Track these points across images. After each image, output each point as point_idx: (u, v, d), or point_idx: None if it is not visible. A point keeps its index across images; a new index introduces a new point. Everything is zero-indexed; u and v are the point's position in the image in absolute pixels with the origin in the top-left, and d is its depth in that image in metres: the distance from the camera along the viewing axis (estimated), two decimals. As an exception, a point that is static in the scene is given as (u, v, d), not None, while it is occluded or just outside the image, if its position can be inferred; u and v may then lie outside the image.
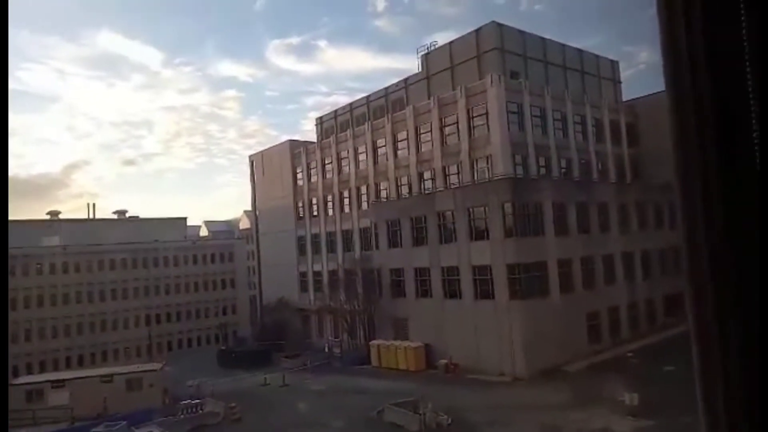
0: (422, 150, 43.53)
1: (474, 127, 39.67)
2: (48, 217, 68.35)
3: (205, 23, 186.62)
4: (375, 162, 47.85)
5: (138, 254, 61.87)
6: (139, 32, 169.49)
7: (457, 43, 44.25)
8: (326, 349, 47.89)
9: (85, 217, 73.40)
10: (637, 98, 48.61)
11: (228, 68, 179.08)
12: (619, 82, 51.70)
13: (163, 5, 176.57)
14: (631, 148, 47.31)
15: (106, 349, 57.57)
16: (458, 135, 40.55)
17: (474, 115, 39.62)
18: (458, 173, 40.56)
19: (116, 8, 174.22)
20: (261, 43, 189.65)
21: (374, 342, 40.58)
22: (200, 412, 32.07)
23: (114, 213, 75.60)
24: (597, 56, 49.73)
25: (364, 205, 48.88)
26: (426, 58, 46.67)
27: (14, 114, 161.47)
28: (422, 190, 42.88)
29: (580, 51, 48.18)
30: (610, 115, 46.48)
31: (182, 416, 31.40)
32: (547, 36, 45.41)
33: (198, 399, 33.75)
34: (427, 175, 42.99)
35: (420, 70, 47.24)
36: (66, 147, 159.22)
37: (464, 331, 34.59)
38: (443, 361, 35.12)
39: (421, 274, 39.13)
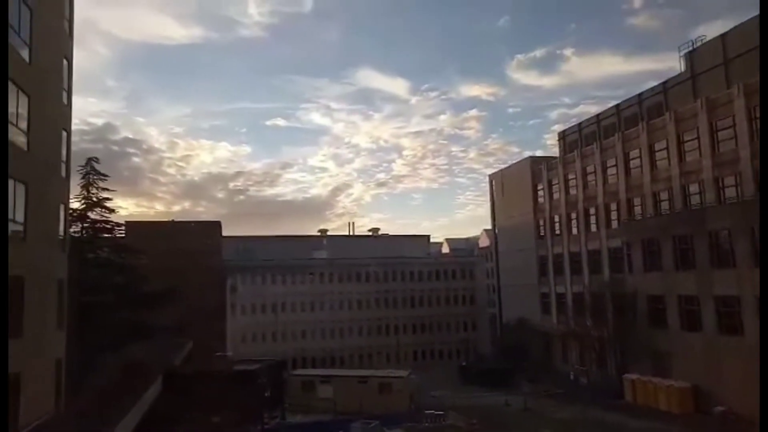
0: (687, 160, 37.98)
1: (757, 130, 33.03)
2: (318, 233, 79.78)
3: (449, 48, 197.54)
4: (627, 175, 43.52)
5: (388, 268, 67.57)
6: (391, 66, 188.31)
7: (733, 33, 37.68)
8: (571, 377, 44.90)
9: (346, 233, 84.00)
10: None
11: (470, 89, 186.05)
12: None
13: (412, 38, 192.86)
14: None
15: (362, 353, 63.94)
16: (735, 140, 34.25)
17: (756, 115, 33.01)
18: (736, 185, 34.14)
19: (372, 47, 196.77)
20: (502, 61, 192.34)
21: (629, 376, 36.45)
22: (442, 423, 33.03)
23: (369, 230, 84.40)
24: None
25: (614, 224, 44.79)
26: (690, 56, 40.88)
27: (294, 147, 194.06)
28: (688, 206, 37.30)
29: None
30: None
31: (426, 424, 32.77)
32: None
33: (440, 410, 34.86)
34: (693, 188, 37.26)
35: (683, 69, 41.58)
36: (332, 173, 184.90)
37: (747, 375, 28.53)
38: (720, 408, 29.57)
39: (688, 302, 33.86)
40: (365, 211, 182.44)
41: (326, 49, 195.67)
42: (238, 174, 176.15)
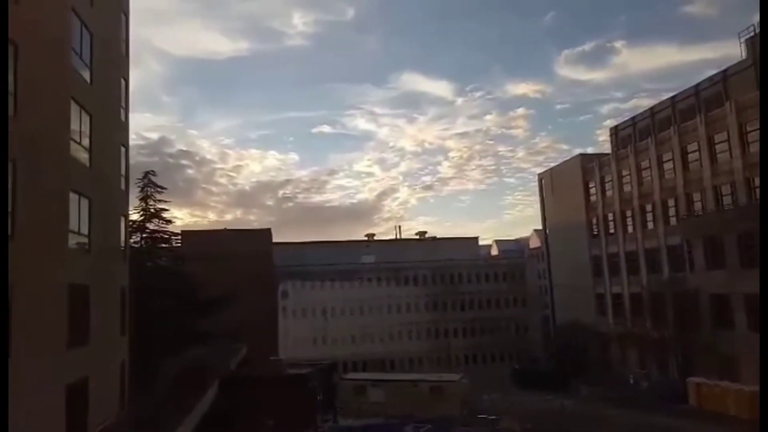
0: (750, 151, 35.96)
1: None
2: (365, 238, 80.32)
3: (494, 47, 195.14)
4: (685, 170, 41.59)
5: (436, 271, 67.24)
6: (434, 68, 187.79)
7: (798, 14, 35.43)
8: (631, 381, 43.25)
9: (393, 237, 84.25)
10: None
11: (516, 88, 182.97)
12: None
13: (455, 39, 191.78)
14: None
15: (412, 357, 63.78)
16: (804, 128, 32.11)
17: (828, 101, 30.84)
18: (806, 176, 32.00)
19: (415, 50, 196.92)
20: (549, 57, 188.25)
21: (693, 379, 34.78)
22: (496, 427, 32.47)
23: (416, 234, 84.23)
24: None
25: (672, 221, 42.89)
26: (752, 42, 38.73)
27: (340, 153, 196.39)
28: (753, 200, 35.30)
29: None
30: None
31: (479, 429, 32.30)
32: None
33: (493, 414, 34.29)
34: (758, 181, 35.23)
35: (744, 57, 39.43)
36: (378, 177, 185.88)
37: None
38: (794, 414, 27.73)
39: (756, 301, 31.96)
40: (412, 215, 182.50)
41: (369, 55, 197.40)
42: (287, 182, 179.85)
